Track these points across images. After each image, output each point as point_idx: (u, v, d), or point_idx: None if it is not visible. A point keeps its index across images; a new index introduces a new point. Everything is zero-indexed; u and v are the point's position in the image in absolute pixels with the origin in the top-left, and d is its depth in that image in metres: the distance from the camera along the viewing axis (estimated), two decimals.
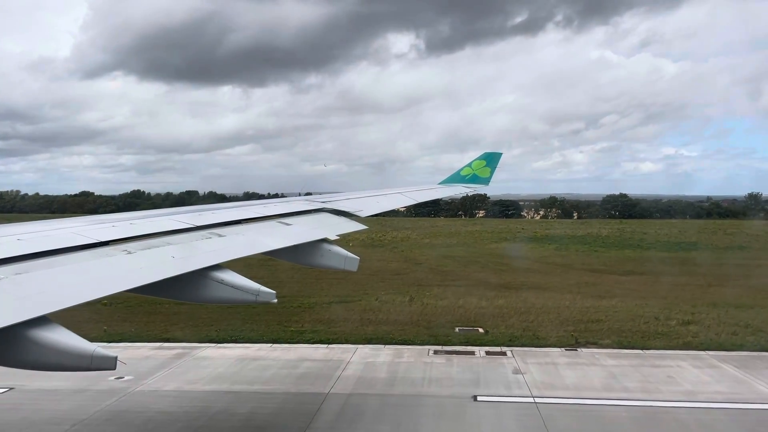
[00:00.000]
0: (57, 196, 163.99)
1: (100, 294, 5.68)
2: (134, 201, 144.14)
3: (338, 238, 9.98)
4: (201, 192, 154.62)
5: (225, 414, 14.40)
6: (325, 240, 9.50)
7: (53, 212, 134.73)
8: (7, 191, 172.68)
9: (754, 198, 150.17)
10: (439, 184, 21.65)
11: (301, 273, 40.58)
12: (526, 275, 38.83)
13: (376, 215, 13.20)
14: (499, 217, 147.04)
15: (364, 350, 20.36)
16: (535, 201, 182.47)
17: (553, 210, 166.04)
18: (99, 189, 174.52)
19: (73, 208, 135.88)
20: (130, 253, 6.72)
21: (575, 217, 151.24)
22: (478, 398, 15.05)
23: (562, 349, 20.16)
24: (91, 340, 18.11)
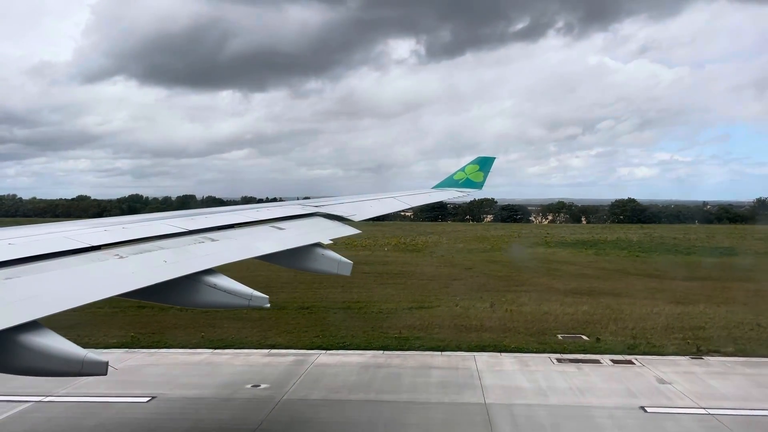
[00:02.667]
0: (61, 200, 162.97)
1: (92, 299, 5.61)
2: (136, 205, 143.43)
3: (332, 242, 9.97)
4: (198, 196, 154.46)
5: (396, 425, 14.01)
6: (318, 244, 9.51)
7: (57, 216, 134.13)
8: (6, 195, 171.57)
9: (762, 203, 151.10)
10: (433, 188, 21.64)
11: (357, 278, 40.25)
12: (588, 281, 38.55)
13: (370, 219, 13.16)
14: (507, 222, 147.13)
15: (483, 358, 20.01)
16: (542, 205, 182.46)
17: (561, 214, 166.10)
18: (94, 193, 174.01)
19: (78, 213, 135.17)
20: (121, 257, 6.64)
21: (584, 222, 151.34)
22: (648, 409, 14.72)
23: (687, 357, 19.88)
24: (194, 346, 17.80)
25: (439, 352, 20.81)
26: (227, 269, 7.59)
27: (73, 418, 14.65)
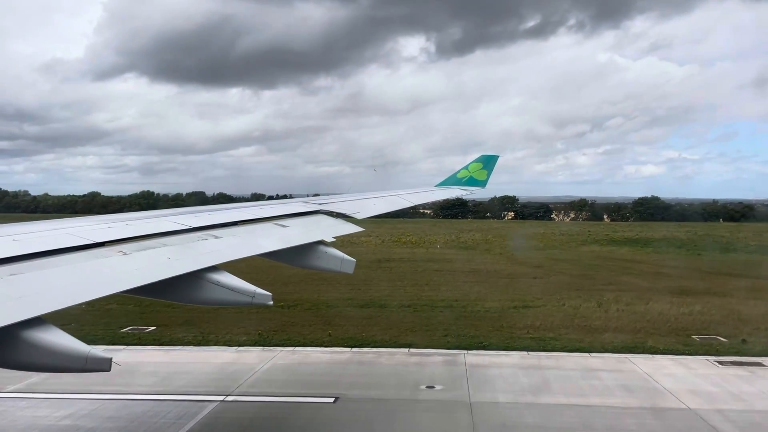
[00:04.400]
0: (79, 197, 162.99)
1: (96, 295, 5.59)
2: (155, 202, 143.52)
3: (334, 240, 9.94)
4: (207, 193, 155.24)
5: (621, 431, 13.51)
6: (321, 242, 9.46)
7: (76, 212, 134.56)
8: (19, 191, 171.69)
9: None
10: (436, 186, 21.53)
11: (433, 275, 39.80)
12: (674, 280, 37.86)
13: (373, 217, 13.13)
14: (530, 219, 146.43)
15: (638, 360, 19.47)
16: (564, 203, 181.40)
17: (583, 212, 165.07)
18: (101, 190, 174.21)
19: (97, 209, 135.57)
20: (125, 254, 6.62)
21: (607, 220, 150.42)
22: None
23: None
24: (328, 344, 17.31)
25: (587, 354, 20.27)
26: (231, 266, 7.44)
27: (275, 418, 14.25)
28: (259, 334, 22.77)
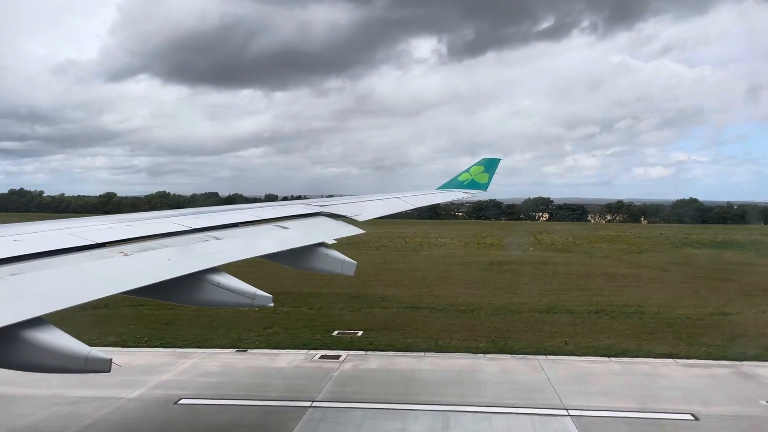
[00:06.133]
0: (96, 197, 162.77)
1: (97, 296, 5.56)
2: (178, 202, 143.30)
3: (335, 242, 9.90)
4: (220, 194, 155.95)
5: None
6: (322, 244, 9.48)
7: (107, 212, 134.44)
8: (34, 191, 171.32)
9: None
10: (437, 189, 21.33)
11: (563, 279, 38.57)
12: None
13: (375, 219, 13.03)
14: (566, 221, 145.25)
15: None
16: (601, 205, 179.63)
17: (620, 214, 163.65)
18: (111, 190, 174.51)
19: (127, 209, 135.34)
20: (126, 255, 6.64)
21: (644, 222, 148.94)
22: None
23: None
24: (568, 353, 15.83)
25: None
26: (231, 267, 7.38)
27: None
28: (493, 340, 21.68)
